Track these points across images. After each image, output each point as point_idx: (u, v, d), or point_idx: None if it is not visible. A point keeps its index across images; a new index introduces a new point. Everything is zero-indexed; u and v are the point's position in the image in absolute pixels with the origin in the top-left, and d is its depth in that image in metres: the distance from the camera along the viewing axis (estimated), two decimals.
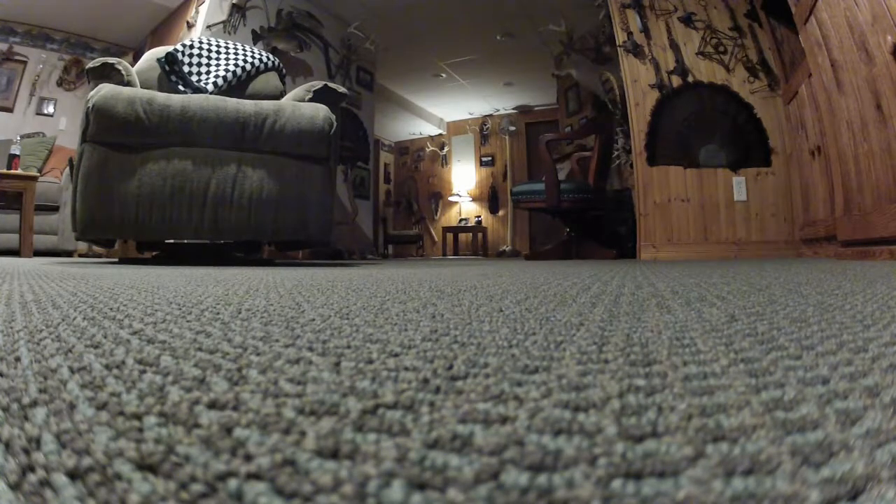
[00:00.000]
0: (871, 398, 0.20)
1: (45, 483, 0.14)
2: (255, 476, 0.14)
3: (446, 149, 8.43)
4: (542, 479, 0.14)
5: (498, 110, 7.85)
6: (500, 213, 7.93)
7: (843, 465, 0.14)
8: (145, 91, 1.95)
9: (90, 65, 2.09)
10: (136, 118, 1.82)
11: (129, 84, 2.06)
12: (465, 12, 4.81)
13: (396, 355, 0.29)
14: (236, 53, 2.47)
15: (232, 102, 1.97)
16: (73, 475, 0.14)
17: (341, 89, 2.31)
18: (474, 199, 8.13)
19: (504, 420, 0.18)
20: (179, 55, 2.35)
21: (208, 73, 2.37)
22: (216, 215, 1.89)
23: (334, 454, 0.15)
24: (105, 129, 1.83)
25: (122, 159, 1.84)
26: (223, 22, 3.90)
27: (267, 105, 2.02)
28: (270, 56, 2.59)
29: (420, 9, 4.76)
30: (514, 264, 2.31)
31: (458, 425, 0.18)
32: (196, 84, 2.32)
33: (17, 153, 3.48)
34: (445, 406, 0.20)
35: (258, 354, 0.29)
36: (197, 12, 3.99)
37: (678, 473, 0.14)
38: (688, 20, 3.14)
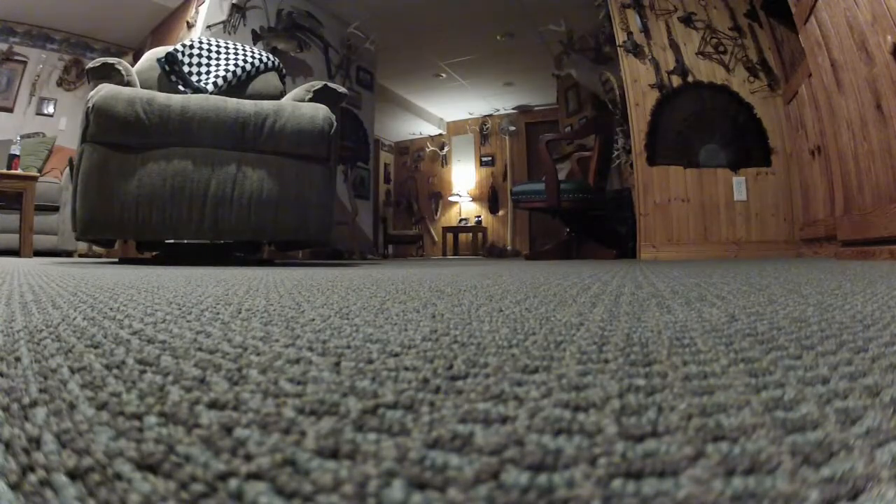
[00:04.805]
0: (871, 398, 0.20)
1: (45, 483, 0.14)
2: (255, 476, 0.14)
3: (446, 149, 8.43)
4: (542, 478, 0.14)
5: (498, 110, 7.85)
6: (500, 213, 7.93)
7: (843, 465, 0.14)
8: (145, 91, 1.95)
9: (90, 65, 2.09)
10: (136, 118, 1.82)
11: (129, 84, 2.06)
12: (465, 12, 4.80)
13: (396, 355, 0.29)
14: (236, 53, 2.47)
15: (232, 102, 1.97)
16: (74, 475, 0.14)
17: (341, 89, 2.31)
18: (474, 199, 8.13)
19: (504, 420, 0.18)
20: (179, 55, 2.35)
21: (208, 73, 2.36)
22: (216, 215, 1.89)
23: (334, 454, 0.15)
24: (105, 129, 1.83)
25: (122, 159, 1.84)
26: (223, 22, 3.90)
27: (267, 105, 2.02)
28: (270, 56, 2.59)
29: (420, 9, 4.76)
30: (515, 264, 2.31)
31: (459, 425, 0.18)
32: (196, 84, 2.32)
33: (17, 153, 3.47)
34: (445, 406, 0.20)
35: (258, 354, 0.29)
36: (197, 12, 3.99)
37: (678, 473, 0.14)
38: (688, 20, 3.14)
